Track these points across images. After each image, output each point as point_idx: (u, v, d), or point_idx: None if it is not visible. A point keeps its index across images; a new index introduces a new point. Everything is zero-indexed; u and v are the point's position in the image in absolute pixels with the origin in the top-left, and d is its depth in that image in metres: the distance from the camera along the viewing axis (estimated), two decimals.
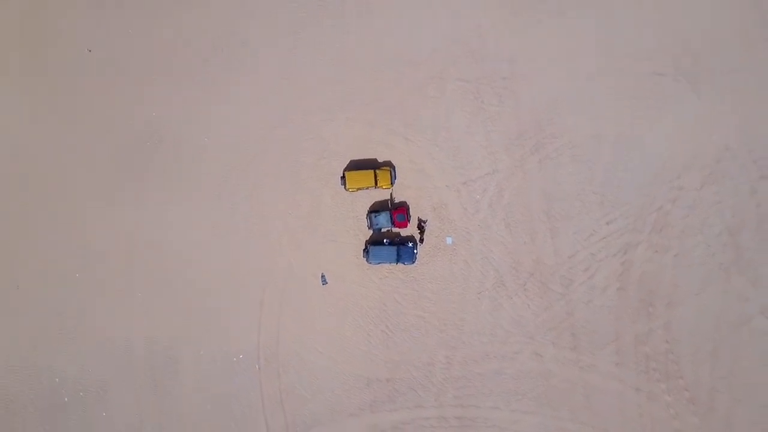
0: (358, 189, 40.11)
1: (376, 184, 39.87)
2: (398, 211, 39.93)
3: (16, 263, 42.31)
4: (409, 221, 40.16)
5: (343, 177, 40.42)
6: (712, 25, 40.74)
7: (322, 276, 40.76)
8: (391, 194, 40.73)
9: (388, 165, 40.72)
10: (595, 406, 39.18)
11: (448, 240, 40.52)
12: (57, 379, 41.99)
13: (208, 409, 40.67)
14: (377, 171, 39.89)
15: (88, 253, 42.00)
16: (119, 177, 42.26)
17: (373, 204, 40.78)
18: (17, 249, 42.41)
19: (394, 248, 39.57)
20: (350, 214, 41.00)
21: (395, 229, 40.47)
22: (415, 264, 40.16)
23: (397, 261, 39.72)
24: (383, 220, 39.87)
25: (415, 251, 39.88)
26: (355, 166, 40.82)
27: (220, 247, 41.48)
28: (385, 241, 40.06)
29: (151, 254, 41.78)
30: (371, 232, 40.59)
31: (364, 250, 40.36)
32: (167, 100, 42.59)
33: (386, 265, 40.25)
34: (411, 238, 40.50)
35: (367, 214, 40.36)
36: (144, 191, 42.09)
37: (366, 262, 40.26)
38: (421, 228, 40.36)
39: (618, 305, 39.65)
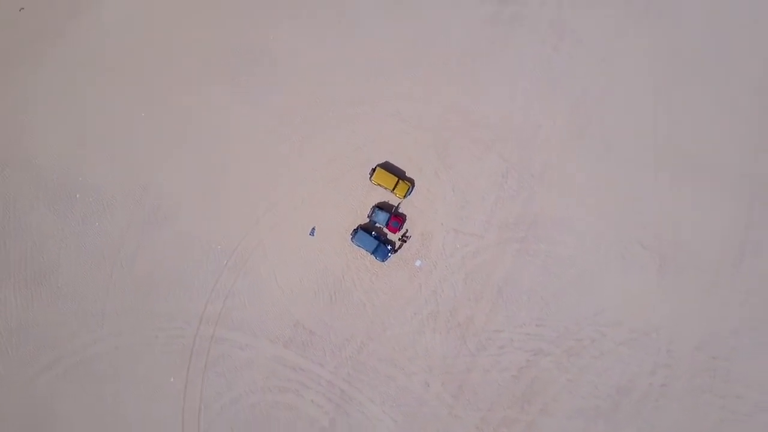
0: (379, 185, 48.01)
1: (393, 189, 47.76)
2: (396, 218, 47.75)
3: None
4: (399, 230, 47.97)
5: (374, 169, 48.33)
6: (702, 225, 47.93)
7: (313, 229, 48.72)
8: (399, 203, 48.57)
9: (410, 182, 48.58)
10: None
11: (418, 263, 48.29)
12: (80, 178, 50.42)
13: (176, 262, 48.99)
14: (400, 181, 47.75)
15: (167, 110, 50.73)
16: (223, 71, 50.84)
17: (381, 202, 48.68)
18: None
19: (375, 243, 47.39)
20: (361, 198, 48.85)
21: (385, 230, 48.28)
22: (383, 263, 47.99)
23: (372, 253, 47.55)
24: (381, 218, 47.71)
25: (389, 254, 47.71)
26: (387, 167, 48.70)
27: (257, 156, 49.53)
28: (372, 233, 47.93)
29: (208, 130, 50.16)
30: (368, 221, 48.45)
31: (354, 230, 48.20)
32: (287, 36, 51.03)
33: (362, 251, 48.08)
34: (392, 243, 48.30)
35: (373, 207, 48.20)
36: (233, 87, 50.54)
37: (350, 239, 48.15)
38: (402, 240, 48.20)
39: (506, 387, 47.12)
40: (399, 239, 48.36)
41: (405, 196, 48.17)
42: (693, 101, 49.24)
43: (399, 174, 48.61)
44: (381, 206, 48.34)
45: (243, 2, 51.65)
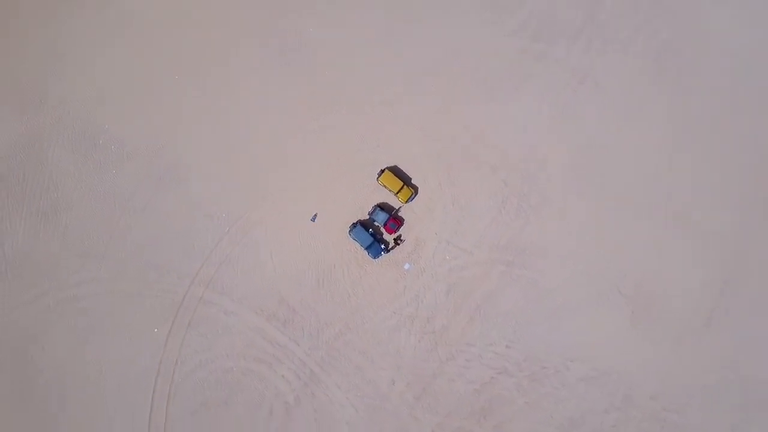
0: (384, 186, 50.32)
1: (397, 193, 50.09)
2: (395, 220, 50.08)
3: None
4: (395, 232, 50.32)
5: (382, 171, 50.67)
6: (680, 283, 50.11)
7: (315, 215, 51.13)
8: (400, 207, 50.89)
9: (414, 188, 50.88)
10: None
11: (406, 266, 50.64)
12: (106, 126, 52.92)
13: (180, 221, 51.59)
14: (405, 186, 50.05)
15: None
16: (259, 52, 53.40)
17: (383, 202, 51.01)
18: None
19: (370, 240, 49.74)
20: (365, 195, 51.18)
21: (383, 229, 50.62)
22: (374, 260, 50.37)
23: (366, 248, 49.91)
24: (381, 218, 50.06)
25: (382, 252, 50.08)
26: (395, 171, 50.98)
27: (276, 138, 51.91)
28: (370, 230, 50.28)
29: (234, 105, 52.70)
30: (367, 218, 50.81)
31: (353, 223, 50.54)
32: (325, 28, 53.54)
33: (357, 245, 50.47)
34: (386, 243, 50.65)
35: (375, 206, 50.59)
36: (266, 69, 53.07)
37: (348, 232, 50.51)
38: (396, 242, 50.57)
39: (466, 399, 49.45)
40: (393, 240, 50.68)
41: (407, 201, 50.49)
42: (697, 164, 51.29)
43: (405, 179, 50.93)
44: (382, 206, 50.68)
45: None
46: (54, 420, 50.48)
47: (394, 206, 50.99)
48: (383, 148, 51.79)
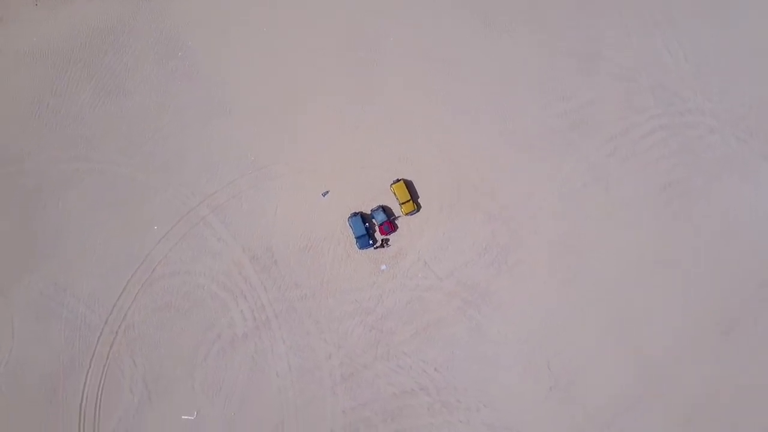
0: (393, 193, 56.34)
1: (402, 203, 56.11)
2: (390, 224, 56.05)
3: None
4: (386, 234, 56.33)
5: (397, 180, 56.71)
6: (604, 378, 55.71)
7: (327, 192, 57.20)
8: (399, 216, 56.84)
9: (418, 206, 56.77)
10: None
11: (383, 267, 56.50)
12: (189, 43, 59.42)
13: (214, 149, 58.11)
14: (410, 201, 56.07)
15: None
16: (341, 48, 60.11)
17: (387, 206, 57.00)
18: None
19: (363, 231, 55.69)
20: (375, 194, 57.17)
21: (377, 228, 56.51)
22: (359, 250, 56.29)
23: (357, 238, 55.89)
24: (379, 218, 56.06)
25: (368, 246, 56.03)
26: (408, 184, 56.92)
27: (325, 115, 58.31)
28: (366, 224, 56.25)
29: (302, 70, 59.18)
30: (369, 212, 56.83)
31: (354, 213, 56.55)
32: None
33: (350, 232, 56.46)
34: (375, 240, 56.57)
35: (379, 206, 56.69)
36: (340, 59, 59.63)
37: (347, 218, 56.50)
38: (383, 243, 56.62)
39: (383, 398, 54.66)
40: (382, 241, 56.60)
41: (406, 214, 56.46)
42: (659, 292, 56.56)
43: (413, 195, 56.93)
44: (385, 209, 56.64)
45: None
46: (45, 255, 56.79)
47: (395, 213, 56.96)
48: (409, 161, 57.80)
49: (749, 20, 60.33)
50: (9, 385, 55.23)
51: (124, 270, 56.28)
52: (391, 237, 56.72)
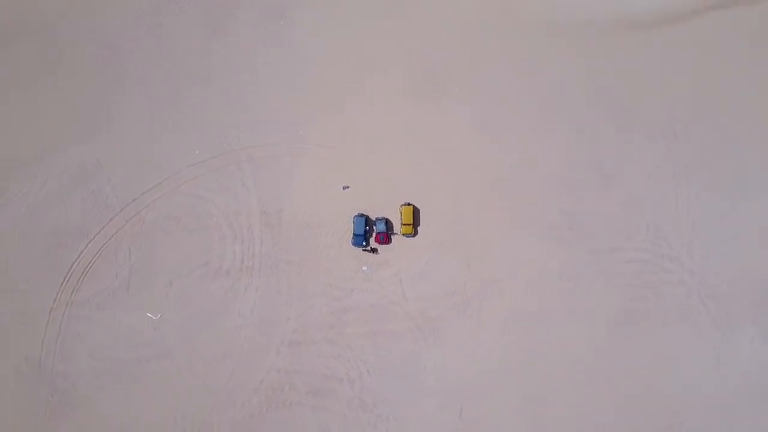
0: (400, 213, 63.74)
1: (402, 224, 63.43)
2: (386, 236, 63.31)
3: None
4: (379, 243, 63.53)
5: (408, 204, 64.00)
6: None
7: (347, 187, 64.69)
8: (396, 233, 64.08)
9: (416, 232, 63.97)
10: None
11: (365, 268, 63.54)
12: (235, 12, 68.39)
13: (272, 116, 66.36)
14: (411, 225, 63.31)
15: None
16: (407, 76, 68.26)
17: (389, 220, 64.29)
18: None
19: (362, 232, 63.05)
20: (384, 206, 64.52)
21: (374, 234, 63.63)
22: (352, 246, 63.45)
23: (354, 235, 63.18)
24: (380, 227, 63.37)
25: (360, 246, 63.22)
26: (415, 211, 64.03)
27: (377, 119, 66.43)
28: (367, 226, 63.58)
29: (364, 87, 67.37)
30: (373, 218, 64.25)
31: (360, 213, 63.98)
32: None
33: (351, 226, 63.78)
34: (368, 242, 63.73)
35: (383, 217, 64.03)
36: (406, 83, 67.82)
37: (353, 216, 63.89)
38: (372, 250, 63.82)
39: (315, 373, 61.39)
40: (372, 247, 63.78)
41: (403, 234, 63.69)
42: (573, 403, 62.43)
43: (416, 221, 64.21)
44: (387, 222, 63.96)
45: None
46: (101, 131, 65.35)
47: (394, 229, 64.19)
48: (426, 195, 64.88)
49: (759, 201, 66.31)
50: (22, 228, 63.14)
51: (157, 174, 64.10)
52: (382, 247, 63.84)
